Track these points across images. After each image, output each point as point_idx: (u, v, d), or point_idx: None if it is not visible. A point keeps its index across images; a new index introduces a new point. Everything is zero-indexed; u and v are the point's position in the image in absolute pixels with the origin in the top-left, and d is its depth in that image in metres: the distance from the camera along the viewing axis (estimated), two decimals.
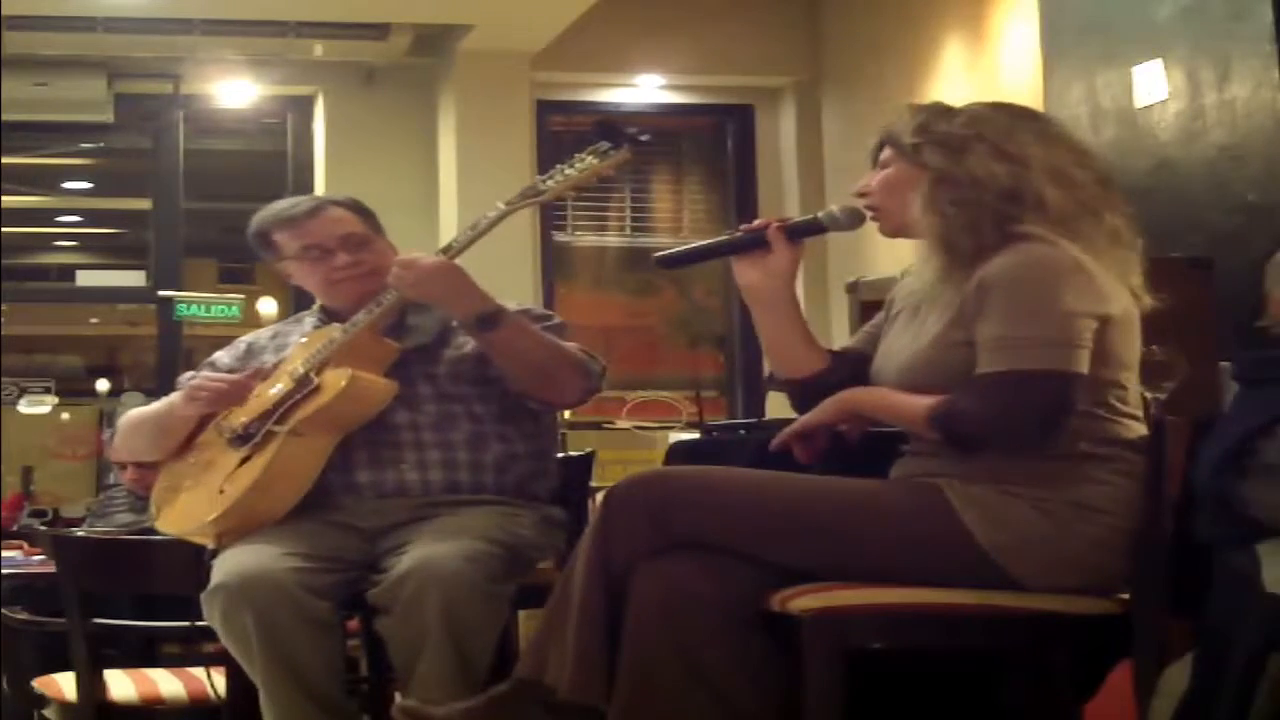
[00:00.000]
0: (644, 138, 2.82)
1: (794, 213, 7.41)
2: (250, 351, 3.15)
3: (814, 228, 2.61)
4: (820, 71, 7.45)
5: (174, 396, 3.07)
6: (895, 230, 2.52)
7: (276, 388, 2.95)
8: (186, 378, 3.15)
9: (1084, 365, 2.27)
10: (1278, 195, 3.74)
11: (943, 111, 2.49)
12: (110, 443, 4.75)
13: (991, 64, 6.07)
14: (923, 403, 2.33)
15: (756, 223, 2.64)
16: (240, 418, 2.95)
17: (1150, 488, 2.27)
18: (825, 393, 2.53)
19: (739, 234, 2.65)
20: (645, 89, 7.61)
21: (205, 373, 3.12)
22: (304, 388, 2.90)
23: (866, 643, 2.31)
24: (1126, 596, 2.31)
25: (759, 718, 2.26)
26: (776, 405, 4.03)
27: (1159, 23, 4.10)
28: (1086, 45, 4.41)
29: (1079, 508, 2.28)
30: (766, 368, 2.76)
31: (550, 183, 2.87)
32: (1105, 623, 2.31)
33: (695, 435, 4.09)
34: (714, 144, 7.84)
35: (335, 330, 2.97)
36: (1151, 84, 4.12)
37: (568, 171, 2.85)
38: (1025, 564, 2.27)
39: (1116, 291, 2.35)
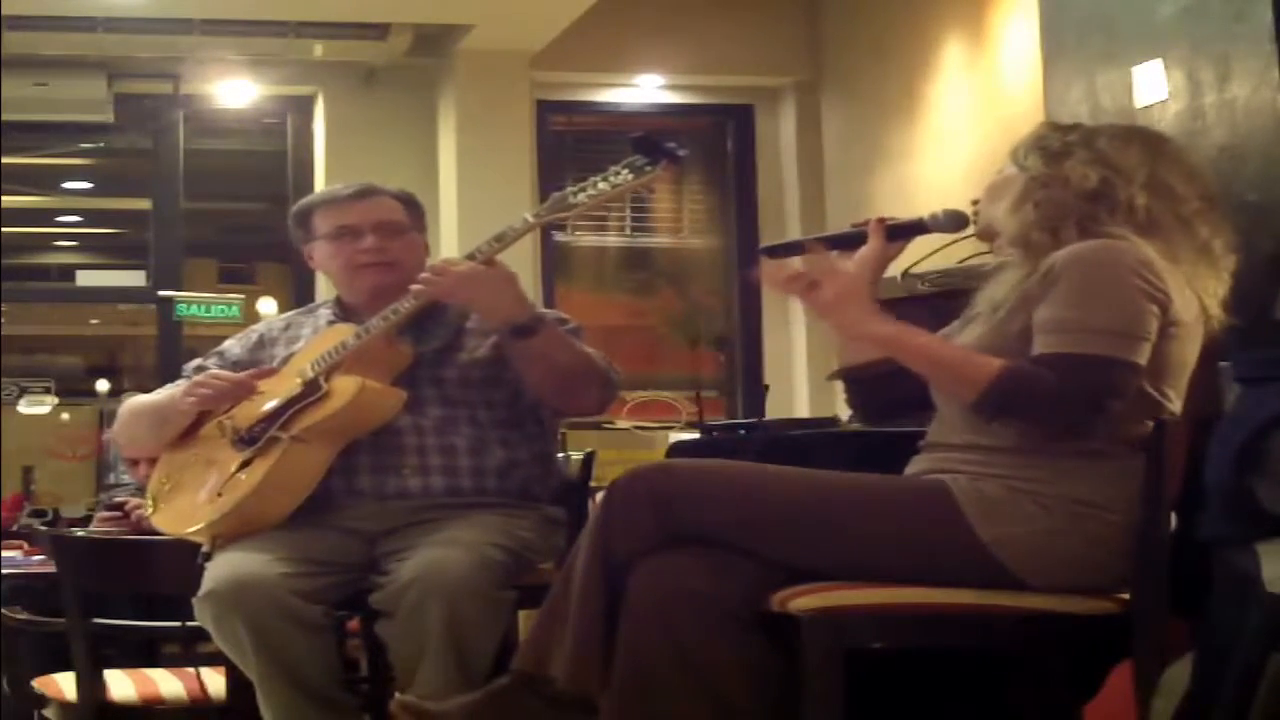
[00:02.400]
0: (682, 153, 2.69)
1: (794, 212, 7.47)
2: (262, 342, 3.12)
3: (916, 228, 2.65)
4: (820, 71, 7.44)
5: (176, 388, 3.05)
6: (984, 230, 2.57)
7: (283, 390, 2.92)
8: (193, 366, 3.14)
9: (1144, 357, 2.27)
10: (1278, 195, 3.73)
11: (1067, 127, 2.53)
12: (111, 444, 4.74)
13: (991, 64, 6.06)
14: (991, 362, 2.28)
15: (865, 220, 2.69)
16: (245, 419, 2.93)
17: (1150, 487, 2.27)
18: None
19: (846, 230, 2.70)
20: (645, 89, 7.62)
21: (212, 362, 3.11)
22: (312, 393, 2.88)
23: (866, 643, 2.31)
24: (1126, 596, 2.31)
25: (753, 716, 2.26)
26: (777, 405, 4.04)
27: (1159, 23, 4.09)
28: (1086, 45, 4.40)
29: (1081, 504, 2.28)
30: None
31: (582, 196, 2.78)
32: (1105, 623, 2.31)
33: (695, 435, 4.09)
34: (714, 144, 7.84)
35: (348, 332, 2.94)
36: (1151, 84, 4.11)
37: (600, 185, 2.77)
38: (1026, 560, 2.27)
39: (1185, 299, 2.34)
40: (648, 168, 2.74)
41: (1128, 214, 2.36)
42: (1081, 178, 2.39)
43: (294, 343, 3.08)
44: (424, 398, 2.93)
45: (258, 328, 3.20)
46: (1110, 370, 2.24)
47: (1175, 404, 2.37)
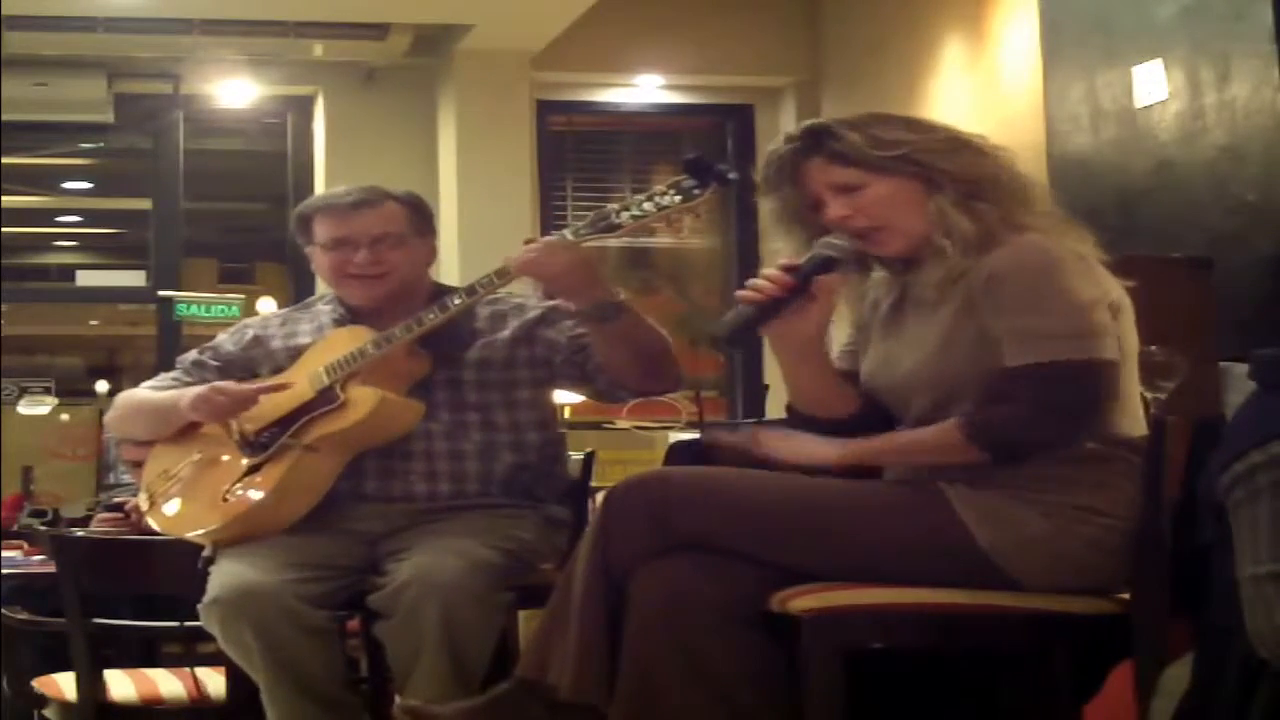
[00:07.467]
0: (732, 176, 2.59)
1: None
2: (256, 340, 3.09)
3: (827, 264, 2.38)
4: (820, 71, 7.44)
5: (180, 395, 2.98)
6: (902, 249, 2.43)
7: (292, 393, 2.87)
8: (189, 359, 3.09)
9: (1112, 351, 2.26)
10: (1278, 195, 3.73)
11: (892, 121, 2.42)
12: (111, 444, 4.73)
13: (991, 64, 6.06)
14: (946, 425, 2.29)
15: (784, 273, 2.40)
16: (252, 421, 2.90)
17: (1149, 488, 2.27)
18: (865, 430, 2.48)
19: (787, 291, 2.38)
20: (645, 89, 7.62)
21: (206, 356, 3.07)
22: (327, 402, 2.84)
23: (866, 643, 2.31)
24: (1126, 596, 2.31)
25: (760, 716, 2.26)
26: (776, 405, 4.04)
27: (1159, 23, 4.10)
28: (1086, 45, 4.41)
29: (1080, 510, 2.27)
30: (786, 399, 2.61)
31: (626, 216, 2.70)
32: (1105, 623, 2.31)
33: (695, 435, 4.09)
34: (714, 144, 7.83)
35: (364, 337, 2.88)
36: (1151, 84, 4.12)
37: (645, 205, 2.69)
38: (1025, 565, 2.26)
39: (1110, 278, 2.34)
40: (696, 190, 2.65)
41: (1025, 199, 2.36)
42: (996, 170, 2.37)
43: (291, 338, 3.04)
44: (437, 402, 2.90)
45: (251, 324, 3.15)
46: (1081, 373, 2.23)
47: (1135, 390, 2.37)
